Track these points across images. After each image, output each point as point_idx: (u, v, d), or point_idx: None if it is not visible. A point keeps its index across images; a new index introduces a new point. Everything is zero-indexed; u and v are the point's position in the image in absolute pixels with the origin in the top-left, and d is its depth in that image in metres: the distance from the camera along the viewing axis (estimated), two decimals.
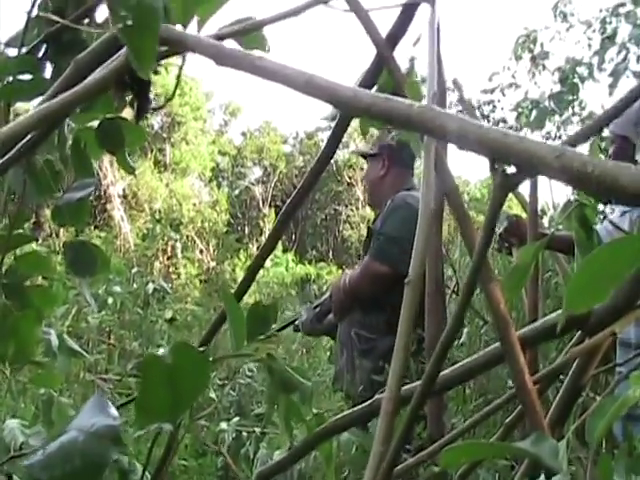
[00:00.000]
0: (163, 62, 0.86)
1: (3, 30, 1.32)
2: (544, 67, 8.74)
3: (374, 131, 3.72)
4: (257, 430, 3.39)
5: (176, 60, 0.82)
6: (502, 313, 0.74)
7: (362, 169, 4.59)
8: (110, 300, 6.69)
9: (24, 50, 1.23)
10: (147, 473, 1.22)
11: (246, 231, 23.68)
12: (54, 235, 12.09)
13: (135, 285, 7.66)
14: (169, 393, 0.70)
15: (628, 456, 1.01)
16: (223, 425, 3.60)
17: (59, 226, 1.32)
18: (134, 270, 8.73)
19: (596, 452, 0.82)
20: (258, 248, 1.40)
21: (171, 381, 0.70)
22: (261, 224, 22.52)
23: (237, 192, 25.88)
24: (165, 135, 22.96)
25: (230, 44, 0.89)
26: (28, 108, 1.17)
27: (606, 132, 4.34)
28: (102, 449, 0.64)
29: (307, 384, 1.06)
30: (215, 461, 3.97)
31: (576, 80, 8.04)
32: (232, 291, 1.31)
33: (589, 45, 8.33)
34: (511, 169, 0.53)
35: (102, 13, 1.18)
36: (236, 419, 3.71)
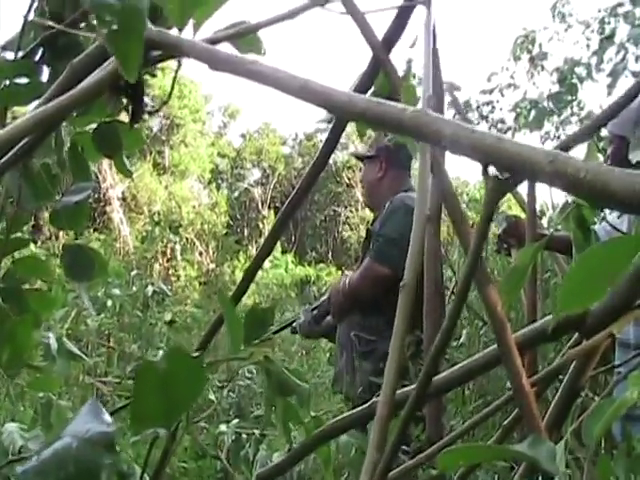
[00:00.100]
0: (160, 64, 0.86)
1: (0, 34, 1.32)
2: (543, 67, 8.74)
3: (372, 132, 3.73)
4: (256, 432, 3.39)
5: (174, 62, 0.82)
6: (499, 315, 0.74)
7: (361, 170, 4.61)
8: (109, 303, 6.70)
9: (21, 54, 1.23)
10: (146, 475, 1.22)
11: (245, 233, 23.68)
12: (53, 238, 12.10)
13: (134, 288, 7.67)
14: (163, 399, 0.69)
15: (627, 456, 1.01)
16: (222, 427, 3.59)
17: (57, 229, 1.33)
18: (133, 273, 8.74)
19: (595, 452, 0.82)
20: (257, 250, 1.40)
21: (165, 387, 0.69)
22: (260, 226, 22.51)
23: (236, 194, 25.89)
24: (164, 137, 22.96)
25: (226, 47, 0.90)
26: (26, 111, 1.17)
27: (604, 132, 4.35)
28: (96, 455, 0.64)
29: (305, 387, 1.06)
30: (214, 463, 3.97)
31: (575, 80, 8.04)
32: (231, 293, 1.31)
33: (588, 45, 8.34)
34: (504, 174, 0.53)
35: None
36: (235, 421, 3.71)
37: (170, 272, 14.55)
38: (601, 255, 0.59)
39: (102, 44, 0.90)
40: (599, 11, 8.13)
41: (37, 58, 1.24)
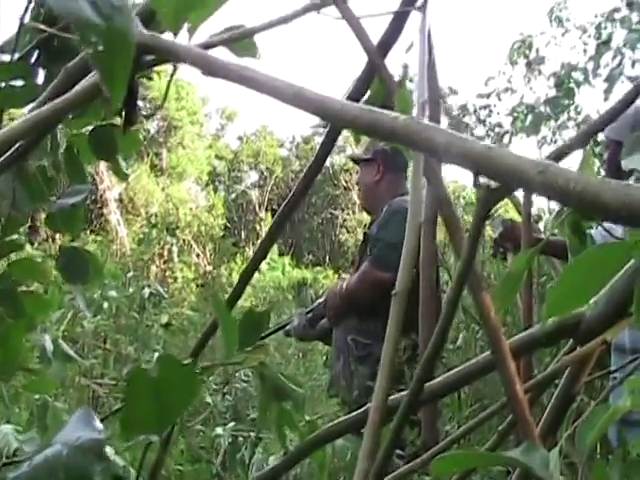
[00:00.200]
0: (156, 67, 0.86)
1: None
2: (540, 72, 8.76)
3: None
4: (253, 435, 3.39)
5: (171, 64, 0.82)
6: (493, 322, 0.74)
7: (358, 173, 4.58)
8: (106, 305, 6.68)
9: (17, 56, 1.23)
10: (141, 479, 1.22)
11: (242, 235, 23.68)
12: (50, 239, 12.08)
13: (131, 289, 7.66)
14: (155, 406, 0.69)
15: (622, 461, 1.00)
16: (219, 430, 3.59)
17: (54, 231, 1.33)
18: (130, 274, 8.73)
19: (590, 457, 0.82)
20: (254, 252, 1.40)
21: (157, 394, 0.69)
22: (258, 228, 22.52)
23: (234, 196, 25.89)
24: (161, 139, 22.97)
25: (221, 51, 0.90)
26: (22, 113, 1.17)
27: (601, 136, 4.35)
28: (86, 463, 0.64)
29: (300, 391, 1.06)
30: (210, 467, 3.97)
31: (572, 85, 8.06)
32: (227, 295, 1.31)
33: (584, 50, 8.35)
34: (495, 183, 0.53)
35: None
36: (232, 424, 3.71)
37: (167, 274, 14.54)
38: (591, 261, 0.59)
39: None
40: (596, 16, 8.15)
41: (33, 60, 1.25)
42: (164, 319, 7.23)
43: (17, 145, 1.02)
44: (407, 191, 3.75)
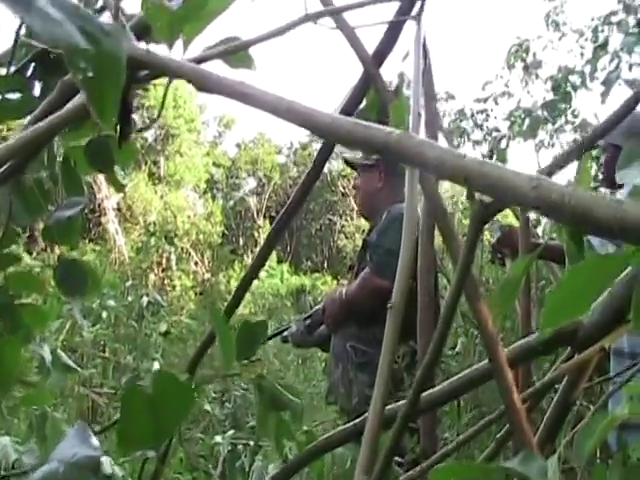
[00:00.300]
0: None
1: None
2: (537, 76, 8.76)
3: None
4: (252, 443, 3.38)
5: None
6: (490, 331, 0.74)
7: (356, 179, 4.55)
8: (104, 314, 6.68)
9: (13, 69, 1.23)
10: None
11: (241, 242, 23.65)
12: (49, 249, 12.08)
13: (130, 298, 7.65)
14: (151, 422, 0.69)
15: (622, 466, 1.00)
16: (218, 438, 3.59)
17: (51, 244, 1.33)
18: (128, 283, 8.73)
19: (590, 462, 0.82)
20: (252, 259, 1.40)
21: (153, 410, 0.69)
22: (256, 235, 22.50)
23: (232, 203, 25.89)
24: (159, 147, 22.97)
25: (217, 64, 0.90)
26: (21, 123, 1.18)
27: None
28: (82, 479, 0.63)
29: (297, 401, 1.06)
30: (209, 475, 3.96)
31: (569, 89, 8.06)
32: (226, 303, 1.31)
33: (581, 54, 8.36)
34: (488, 198, 0.53)
35: None
36: (231, 432, 3.70)
37: (165, 282, 14.52)
38: (589, 270, 0.59)
39: None
40: (592, 20, 8.16)
41: (29, 73, 1.25)
42: (163, 327, 7.23)
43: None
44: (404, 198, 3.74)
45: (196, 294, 14.23)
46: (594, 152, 5.87)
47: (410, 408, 0.74)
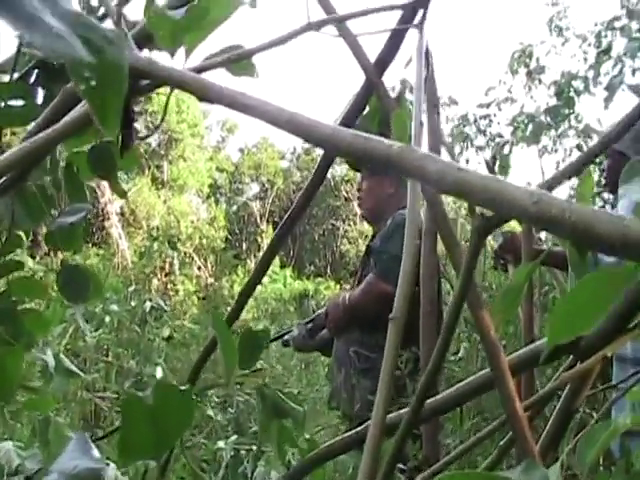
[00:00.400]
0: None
1: None
2: (540, 81, 8.77)
3: None
4: (255, 448, 3.38)
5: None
6: (492, 339, 0.74)
7: (364, 182, 4.53)
8: (107, 318, 6.69)
9: (16, 76, 1.23)
10: None
11: (244, 247, 23.66)
12: (52, 253, 12.09)
13: (133, 303, 7.66)
14: (152, 432, 0.69)
15: (626, 473, 1.00)
16: (220, 444, 3.59)
17: (53, 249, 1.33)
18: (131, 288, 8.73)
19: (593, 469, 0.82)
20: (256, 264, 1.39)
21: (153, 420, 0.69)
22: (259, 240, 22.48)
23: (235, 208, 25.90)
24: (162, 152, 22.98)
25: (220, 72, 0.90)
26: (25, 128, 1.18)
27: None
28: None
29: (299, 409, 1.06)
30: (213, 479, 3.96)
31: (572, 94, 8.07)
32: (229, 308, 1.31)
33: (585, 59, 8.37)
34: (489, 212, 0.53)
35: None
36: (234, 437, 3.70)
37: (168, 287, 14.53)
38: (593, 286, 0.59)
39: None
40: (596, 25, 8.17)
41: (32, 80, 1.25)
42: (166, 332, 7.23)
43: None
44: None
45: (199, 299, 14.24)
46: (597, 158, 5.87)
47: (413, 416, 0.74)
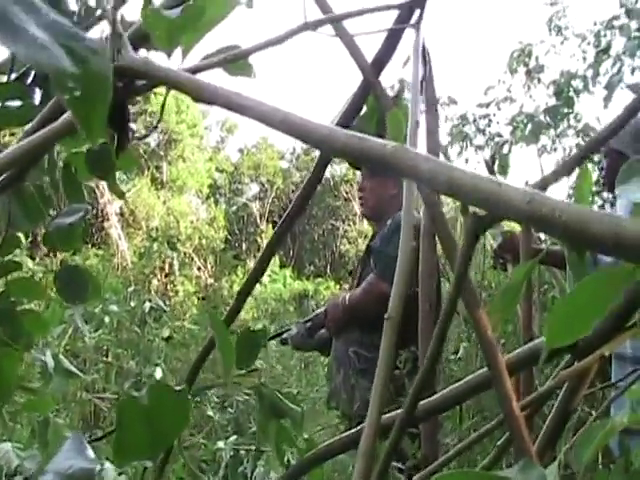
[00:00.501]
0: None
1: None
2: (539, 80, 8.76)
3: None
4: (254, 448, 3.38)
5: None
6: (489, 338, 0.74)
7: (363, 181, 4.53)
8: (107, 319, 6.68)
9: (13, 76, 1.23)
10: None
11: (244, 247, 23.67)
12: (52, 254, 12.08)
13: (132, 303, 7.65)
14: (147, 433, 0.69)
15: (625, 472, 1.00)
16: (220, 444, 3.58)
17: (51, 250, 1.33)
18: (131, 288, 8.73)
19: (591, 468, 0.82)
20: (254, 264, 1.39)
21: (149, 421, 0.69)
22: (259, 240, 22.48)
23: (234, 209, 25.89)
24: (162, 153, 22.96)
25: (217, 72, 0.90)
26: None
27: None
28: None
29: (297, 409, 1.06)
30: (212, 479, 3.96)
31: (571, 93, 8.06)
32: (229, 308, 1.31)
33: (584, 58, 8.36)
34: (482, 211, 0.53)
35: None
36: (233, 437, 3.70)
37: (168, 287, 14.53)
38: (591, 288, 0.59)
39: None
40: (595, 24, 8.16)
41: (29, 81, 1.25)
42: (165, 333, 7.23)
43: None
44: None
45: (199, 299, 14.24)
46: (595, 157, 5.87)
47: (407, 417, 0.74)
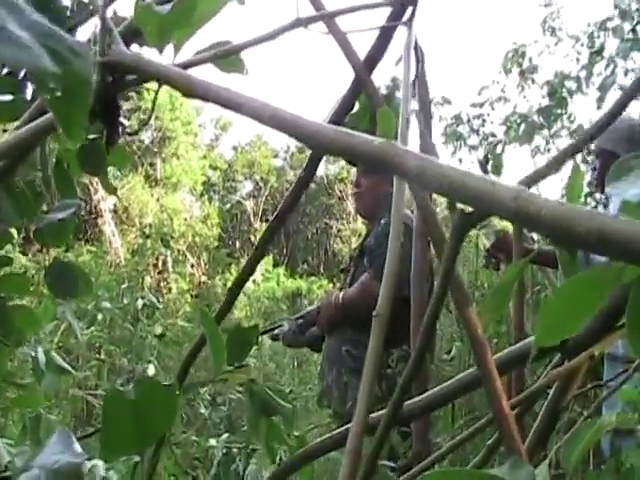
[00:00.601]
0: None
1: None
2: (533, 81, 8.77)
3: None
4: (246, 445, 3.38)
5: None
6: (479, 337, 0.74)
7: (352, 183, 4.55)
8: (100, 316, 6.68)
9: (5, 71, 1.23)
10: None
11: (237, 245, 23.65)
12: (44, 250, 12.05)
13: (125, 300, 7.65)
14: (134, 428, 0.69)
15: (616, 472, 1.00)
16: (212, 442, 3.58)
17: (43, 246, 1.33)
18: (124, 285, 8.73)
19: (582, 469, 0.82)
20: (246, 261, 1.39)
21: (136, 416, 0.69)
22: (252, 238, 22.47)
23: (228, 206, 25.86)
24: (156, 150, 22.92)
25: (208, 68, 0.90)
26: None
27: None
28: None
29: (288, 406, 1.06)
30: (207, 477, 3.95)
31: (565, 94, 8.08)
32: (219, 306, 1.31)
33: (577, 59, 8.37)
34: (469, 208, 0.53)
35: (82, 35, 1.19)
36: (226, 435, 3.70)
37: (161, 285, 14.53)
38: (579, 288, 0.59)
39: None
40: (589, 25, 8.17)
41: (21, 75, 1.24)
42: (158, 330, 7.23)
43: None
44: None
45: (192, 297, 14.24)
46: (589, 157, 5.88)
47: (391, 417, 0.74)
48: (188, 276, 16.12)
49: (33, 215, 1.30)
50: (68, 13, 1.24)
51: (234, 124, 27.52)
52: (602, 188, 3.33)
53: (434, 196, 1.37)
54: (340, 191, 24.09)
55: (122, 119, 0.76)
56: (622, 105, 0.75)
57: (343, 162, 18.99)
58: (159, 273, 14.82)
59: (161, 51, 0.78)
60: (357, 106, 1.21)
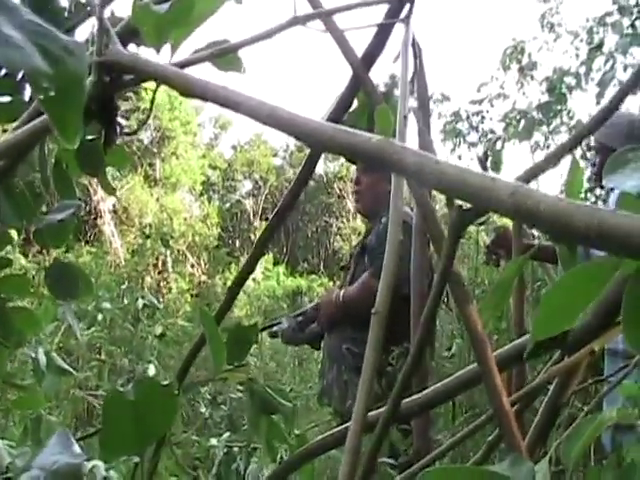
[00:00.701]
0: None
1: None
2: (532, 77, 8.77)
3: None
4: (247, 444, 3.37)
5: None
6: (479, 334, 0.74)
7: (352, 181, 4.56)
8: (100, 316, 6.68)
9: (3, 72, 1.23)
10: None
11: (237, 244, 23.66)
12: (45, 251, 12.05)
13: (125, 301, 7.65)
14: (133, 428, 0.69)
15: (617, 467, 1.00)
16: (213, 441, 3.58)
17: (42, 247, 1.33)
18: (124, 286, 8.73)
19: (583, 464, 0.82)
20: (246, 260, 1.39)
21: (136, 416, 0.69)
22: (252, 237, 22.47)
23: (228, 206, 25.87)
24: (155, 150, 22.91)
25: (206, 67, 0.90)
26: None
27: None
28: None
29: (288, 405, 1.06)
30: (208, 476, 3.95)
31: (564, 90, 8.08)
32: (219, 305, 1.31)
33: (577, 55, 8.37)
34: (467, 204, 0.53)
35: (80, 36, 1.19)
36: (227, 434, 3.69)
37: (161, 284, 14.52)
38: (577, 280, 0.59)
39: None
40: (587, 21, 8.17)
41: (20, 76, 1.24)
42: (158, 330, 7.23)
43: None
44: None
45: (192, 296, 14.23)
46: (588, 154, 5.88)
47: (390, 414, 0.74)
48: (188, 276, 16.11)
49: (33, 216, 1.30)
50: (66, 14, 1.24)
51: (233, 123, 27.54)
52: (602, 184, 3.32)
53: (433, 193, 1.37)
54: (340, 189, 24.10)
55: (120, 119, 0.76)
56: (619, 99, 0.75)
57: (342, 160, 18.98)
58: (159, 273, 14.81)
59: (158, 50, 0.78)
60: (355, 104, 1.21)
